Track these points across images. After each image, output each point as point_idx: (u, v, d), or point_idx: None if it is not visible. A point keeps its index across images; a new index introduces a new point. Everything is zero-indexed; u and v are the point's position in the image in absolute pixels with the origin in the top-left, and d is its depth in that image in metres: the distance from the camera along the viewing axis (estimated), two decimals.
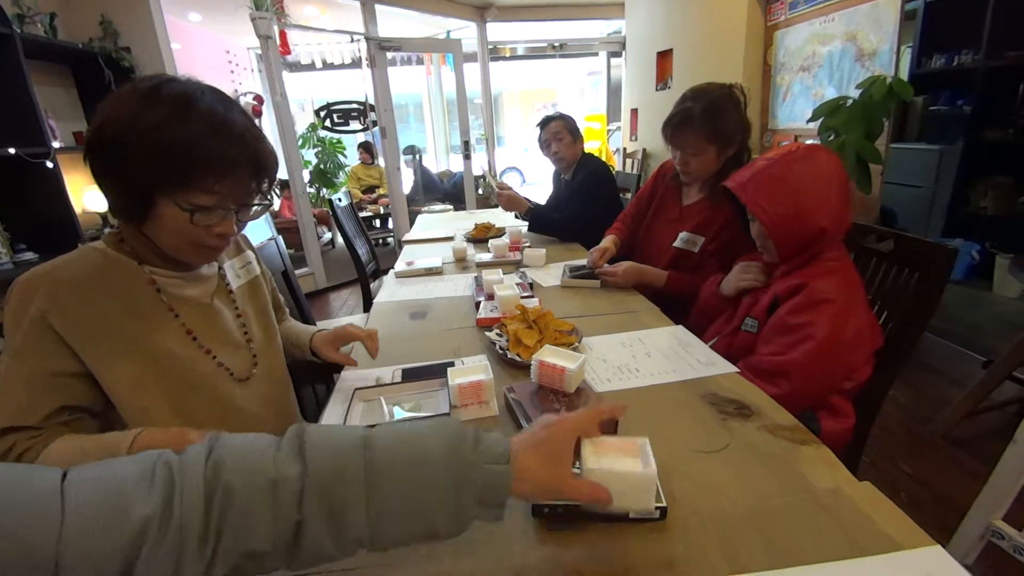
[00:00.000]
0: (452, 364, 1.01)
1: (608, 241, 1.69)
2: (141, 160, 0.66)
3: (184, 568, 0.40)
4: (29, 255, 2.25)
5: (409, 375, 1.03)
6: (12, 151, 2.10)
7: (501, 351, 1.08)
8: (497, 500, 0.49)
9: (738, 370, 1.00)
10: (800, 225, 1.02)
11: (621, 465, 0.55)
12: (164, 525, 0.40)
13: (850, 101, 2.41)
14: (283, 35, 3.52)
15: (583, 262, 1.66)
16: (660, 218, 1.67)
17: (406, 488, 0.46)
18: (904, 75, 3.03)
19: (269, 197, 0.80)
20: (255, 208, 0.79)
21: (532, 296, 1.39)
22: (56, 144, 2.36)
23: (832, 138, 2.44)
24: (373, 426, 0.52)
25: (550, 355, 0.88)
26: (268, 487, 0.44)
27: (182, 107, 0.67)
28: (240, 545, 0.43)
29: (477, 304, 1.37)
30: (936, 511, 1.62)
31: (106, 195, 0.72)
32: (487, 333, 1.17)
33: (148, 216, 0.71)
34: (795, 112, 3.41)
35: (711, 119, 1.38)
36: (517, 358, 1.04)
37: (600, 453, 0.56)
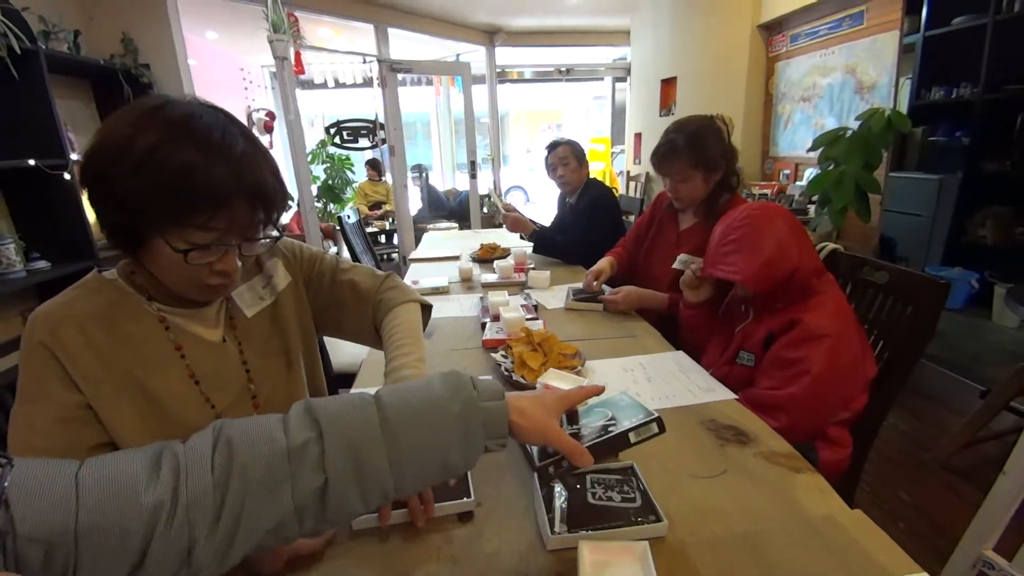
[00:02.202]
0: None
1: (604, 263, 1.74)
2: (129, 196, 0.60)
3: (198, 547, 0.43)
4: (42, 264, 2.29)
5: None
6: (32, 162, 2.16)
7: (506, 373, 1.11)
8: (500, 431, 0.54)
9: (737, 397, 1.03)
10: (773, 271, 1.08)
11: None
12: (173, 508, 0.43)
13: (850, 132, 2.47)
14: (298, 56, 3.62)
15: None
16: (659, 244, 1.72)
17: (421, 430, 0.51)
18: (903, 106, 3.10)
19: (278, 229, 0.73)
20: (261, 241, 0.71)
21: (536, 318, 1.42)
22: (74, 156, 2.42)
23: (832, 167, 2.50)
24: None
25: (554, 379, 0.91)
26: (283, 457, 0.47)
27: (176, 132, 0.61)
28: (263, 518, 0.45)
29: (483, 325, 1.40)
30: (934, 540, 1.62)
31: (100, 225, 0.65)
32: (492, 354, 1.20)
33: (142, 253, 0.65)
34: (796, 141, 3.48)
35: (694, 147, 1.48)
36: (522, 380, 1.07)
37: (599, 563, 0.57)
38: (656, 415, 0.63)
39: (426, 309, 0.99)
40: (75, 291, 0.71)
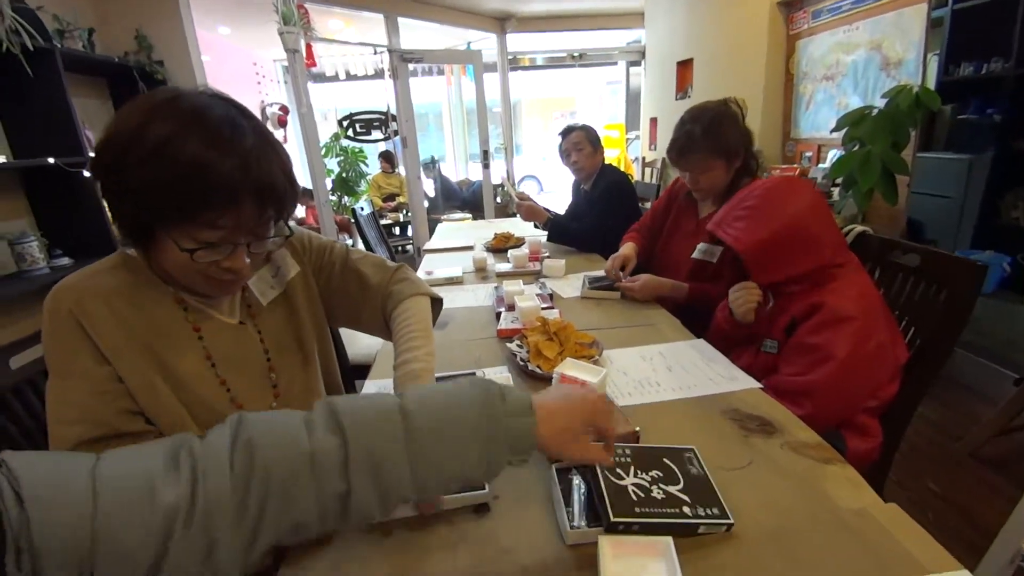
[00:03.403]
0: (474, 375, 1.02)
1: (628, 250, 1.69)
2: (138, 188, 0.60)
3: (219, 547, 0.42)
4: (65, 260, 2.33)
5: None
6: (51, 160, 2.19)
7: (522, 363, 1.09)
8: (525, 447, 0.54)
9: (760, 386, 1.00)
10: (778, 250, 1.05)
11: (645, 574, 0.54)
12: (191, 509, 0.42)
13: (875, 111, 2.38)
14: (309, 48, 3.61)
15: (602, 273, 1.67)
16: (678, 232, 1.68)
17: (445, 445, 0.50)
18: (931, 83, 2.97)
19: (288, 226, 0.73)
20: (271, 239, 0.70)
21: (552, 307, 1.40)
22: (92, 154, 2.44)
23: (857, 148, 2.41)
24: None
25: (571, 368, 0.89)
26: (307, 462, 0.46)
27: (187, 125, 0.60)
28: (284, 519, 0.45)
29: (497, 315, 1.38)
30: (965, 532, 1.58)
31: (112, 218, 0.67)
32: (508, 344, 1.19)
33: (152, 248, 0.66)
34: (818, 121, 3.37)
35: (713, 136, 1.42)
36: (538, 370, 1.05)
37: (621, 556, 0.55)
38: (731, 521, 0.62)
39: (436, 303, 0.98)
40: (99, 266, 0.73)
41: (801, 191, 1.08)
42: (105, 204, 0.65)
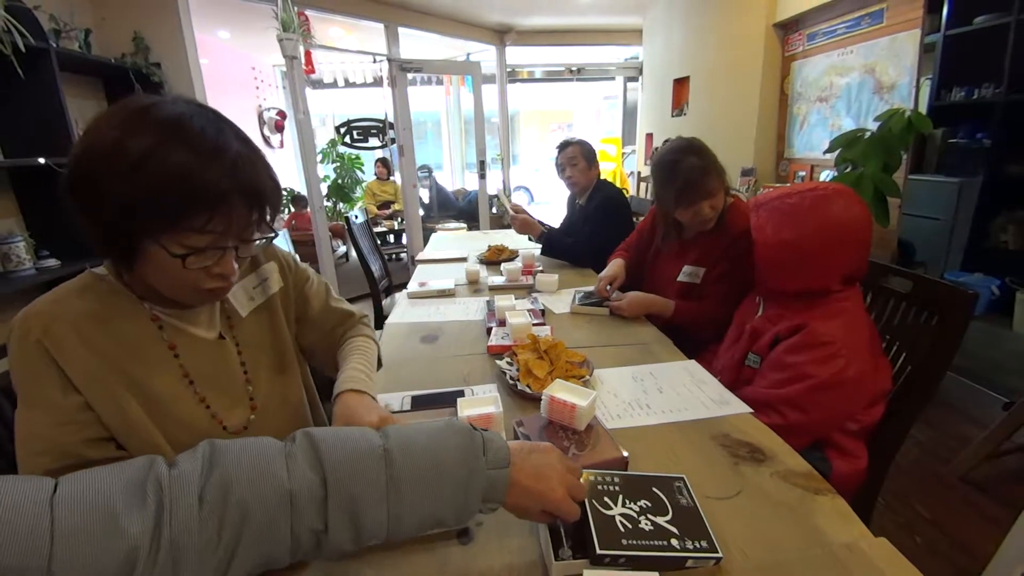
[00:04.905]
0: (461, 393, 1.01)
1: (616, 267, 1.68)
2: (122, 200, 0.58)
3: None
4: (52, 262, 2.30)
5: (418, 403, 1.02)
6: (42, 161, 2.16)
7: (511, 381, 1.08)
8: (498, 498, 0.56)
9: (752, 411, 0.99)
10: (789, 254, 1.06)
11: None
12: (155, 546, 0.40)
13: (868, 133, 2.40)
14: (308, 55, 3.61)
15: (593, 289, 1.66)
16: (663, 254, 1.68)
17: (424, 493, 0.51)
18: (923, 108, 3.02)
19: (273, 228, 0.72)
20: (257, 242, 0.70)
21: (543, 323, 1.39)
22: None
23: (849, 170, 2.43)
24: None
25: (561, 391, 0.88)
26: (285, 499, 0.46)
27: (169, 133, 0.59)
28: (256, 553, 0.45)
29: (488, 330, 1.37)
30: (953, 557, 1.57)
31: (87, 236, 0.62)
32: (497, 361, 1.17)
33: (136, 259, 0.63)
34: (812, 142, 3.40)
35: (709, 159, 1.42)
36: (527, 389, 1.04)
37: None
38: (720, 555, 0.61)
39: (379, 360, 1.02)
40: (67, 288, 0.70)
41: (848, 210, 1.05)
42: (80, 220, 0.62)
